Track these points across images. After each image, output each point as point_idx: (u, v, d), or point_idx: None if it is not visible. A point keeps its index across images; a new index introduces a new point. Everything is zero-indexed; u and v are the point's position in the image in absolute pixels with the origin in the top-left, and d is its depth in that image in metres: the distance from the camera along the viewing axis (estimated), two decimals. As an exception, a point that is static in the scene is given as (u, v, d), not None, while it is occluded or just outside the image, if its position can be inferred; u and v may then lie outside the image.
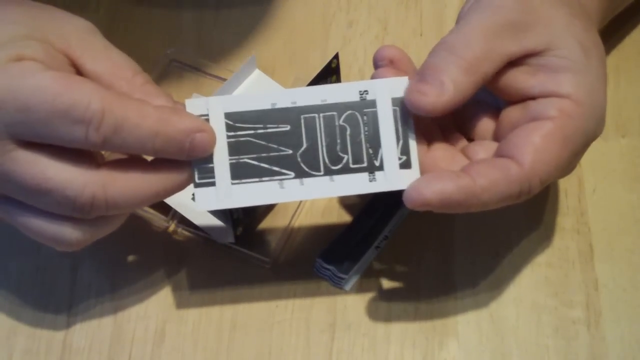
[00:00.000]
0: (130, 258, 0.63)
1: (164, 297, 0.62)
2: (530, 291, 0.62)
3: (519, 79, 0.55)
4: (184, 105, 0.55)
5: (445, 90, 0.53)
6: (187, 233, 0.63)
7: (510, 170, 0.53)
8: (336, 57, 0.64)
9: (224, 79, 0.67)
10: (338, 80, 0.65)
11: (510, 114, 0.56)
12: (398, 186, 0.55)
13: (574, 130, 0.54)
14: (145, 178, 0.53)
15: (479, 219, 0.63)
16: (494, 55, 0.54)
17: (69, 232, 0.54)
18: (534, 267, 0.63)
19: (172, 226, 0.63)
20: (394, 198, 0.56)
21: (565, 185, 0.65)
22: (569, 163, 0.56)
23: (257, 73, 0.68)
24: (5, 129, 0.51)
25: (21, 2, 0.56)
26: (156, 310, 0.61)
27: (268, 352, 0.60)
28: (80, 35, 0.55)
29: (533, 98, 0.55)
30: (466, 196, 0.52)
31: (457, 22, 0.57)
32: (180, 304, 0.62)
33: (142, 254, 0.63)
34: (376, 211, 0.63)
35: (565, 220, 0.64)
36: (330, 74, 0.64)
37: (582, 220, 0.64)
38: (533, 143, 0.53)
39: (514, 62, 0.55)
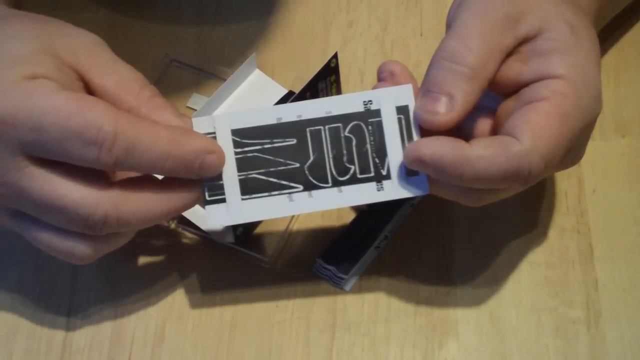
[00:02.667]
0: (130, 258, 0.63)
1: (164, 297, 0.62)
2: (530, 291, 0.62)
3: (513, 68, 0.55)
4: (190, 119, 0.55)
5: (454, 104, 0.53)
6: (187, 233, 0.63)
7: (509, 144, 0.53)
8: (335, 56, 0.64)
9: (224, 79, 0.66)
10: (337, 79, 0.65)
11: (506, 106, 0.56)
12: (406, 194, 0.55)
13: (571, 108, 0.54)
14: (156, 197, 0.54)
15: (479, 219, 0.63)
16: (494, 54, 0.54)
17: (80, 248, 0.54)
18: (533, 267, 0.63)
19: (172, 226, 0.63)
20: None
21: (565, 185, 0.65)
22: (572, 146, 0.55)
23: (257, 73, 0.68)
24: (19, 146, 0.51)
25: (29, 16, 0.56)
26: (156, 310, 0.61)
27: (268, 352, 0.60)
28: (88, 49, 0.55)
29: (526, 85, 0.55)
30: (459, 160, 0.52)
31: (449, 20, 0.56)
32: (180, 304, 0.62)
33: (142, 254, 0.63)
34: (376, 211, 0.63)
35: (565, 220, 0.64)
36: (329, 73, 0.64)
37: (582, 220, 0.64)
38: (530, 121, 0.53)
39: (508, 53, 0.55)
